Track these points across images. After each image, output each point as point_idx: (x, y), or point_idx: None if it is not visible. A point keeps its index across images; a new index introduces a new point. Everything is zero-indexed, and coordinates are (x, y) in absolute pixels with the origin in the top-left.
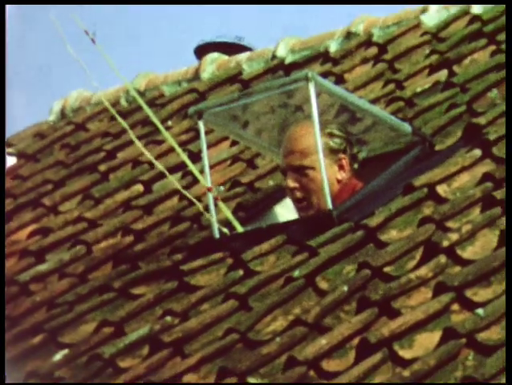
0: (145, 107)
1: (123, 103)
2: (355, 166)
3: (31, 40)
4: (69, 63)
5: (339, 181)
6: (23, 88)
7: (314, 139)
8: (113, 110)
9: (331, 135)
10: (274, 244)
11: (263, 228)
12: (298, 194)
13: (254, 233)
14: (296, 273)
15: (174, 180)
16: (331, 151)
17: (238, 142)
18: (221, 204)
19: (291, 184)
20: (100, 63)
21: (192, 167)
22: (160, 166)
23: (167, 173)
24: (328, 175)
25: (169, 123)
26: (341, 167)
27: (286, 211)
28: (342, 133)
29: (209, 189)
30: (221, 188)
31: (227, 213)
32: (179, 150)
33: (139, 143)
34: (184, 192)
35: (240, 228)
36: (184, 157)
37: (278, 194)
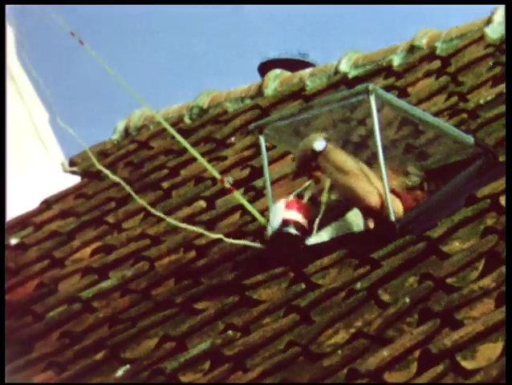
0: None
1: (187, 120)
2: None
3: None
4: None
5: None
6: (88, 107)
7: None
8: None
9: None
10: (335, 257)
11: (325, 241)
12: None
13: (316, 246)
14: (358, 286)
15: (238, 194)
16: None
17: None
18: (237, 194)
19: None
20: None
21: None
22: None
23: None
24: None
25: (232, 139)
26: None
27: (348, 224)
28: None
29: (222, 180)
30: (230, 178)
31: (246, 204)
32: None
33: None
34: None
35: (261, 219)
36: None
37: (340, 208)
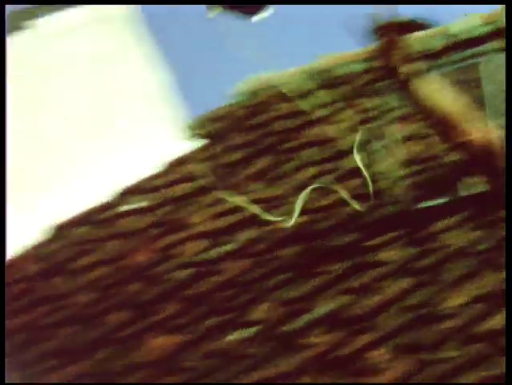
0: None
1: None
2: None
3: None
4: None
5: None
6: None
7: None
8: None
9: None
10: (454, 220)
11: (446, 202)
12: None
13: (437, 208)
14: (479, 248)
15: (358, 158)
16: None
17: None
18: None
19: None
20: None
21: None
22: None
23: (355, 151)
24: None
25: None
26: None
27: (467, 187)
28: None
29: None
30: None
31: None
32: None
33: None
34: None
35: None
36: None
37: (460, 170)
